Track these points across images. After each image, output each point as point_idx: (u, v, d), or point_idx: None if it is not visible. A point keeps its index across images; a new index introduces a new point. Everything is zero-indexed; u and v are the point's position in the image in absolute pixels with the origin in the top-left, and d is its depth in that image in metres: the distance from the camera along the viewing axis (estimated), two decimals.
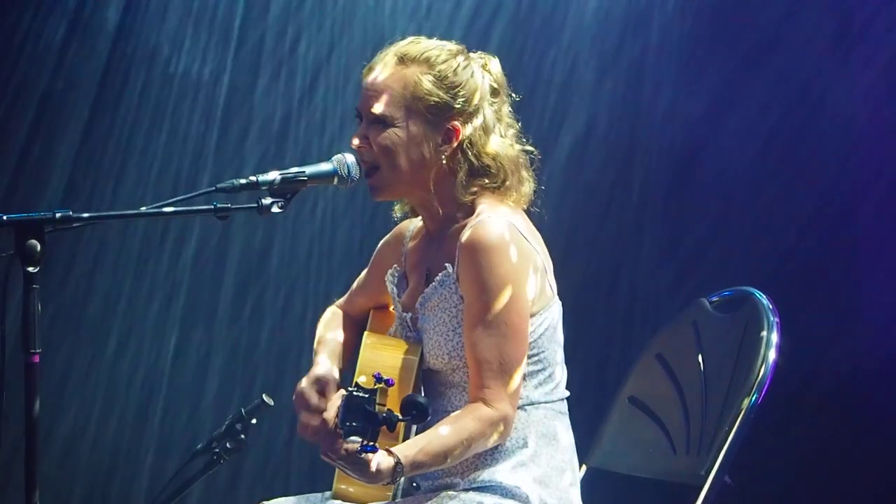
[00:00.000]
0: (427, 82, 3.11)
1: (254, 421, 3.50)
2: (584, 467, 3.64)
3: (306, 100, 5.53)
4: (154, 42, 5.53)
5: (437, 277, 3.13)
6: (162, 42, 5.53)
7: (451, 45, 3.19)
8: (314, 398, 3.10)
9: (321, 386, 3.13)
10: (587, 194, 5.14)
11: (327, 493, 3.18)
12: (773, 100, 4.89)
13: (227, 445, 3.47)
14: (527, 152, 3.23)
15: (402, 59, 3.13)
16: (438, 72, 3.12)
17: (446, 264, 3.11)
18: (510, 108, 3.23)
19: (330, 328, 3.38)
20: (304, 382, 3.15)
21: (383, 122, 3.11)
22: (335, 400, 2.77)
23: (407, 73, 3.12)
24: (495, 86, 3.19)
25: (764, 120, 4.90)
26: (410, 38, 3.19)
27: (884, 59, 4.77)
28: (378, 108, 3.11)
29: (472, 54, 3.20)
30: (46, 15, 5.50)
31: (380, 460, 2.81)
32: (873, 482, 4.71)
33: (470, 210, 3.14)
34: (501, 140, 3.17)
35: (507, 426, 3.01)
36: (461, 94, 3.13)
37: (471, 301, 3.04)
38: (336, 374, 3.18)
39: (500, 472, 3.09)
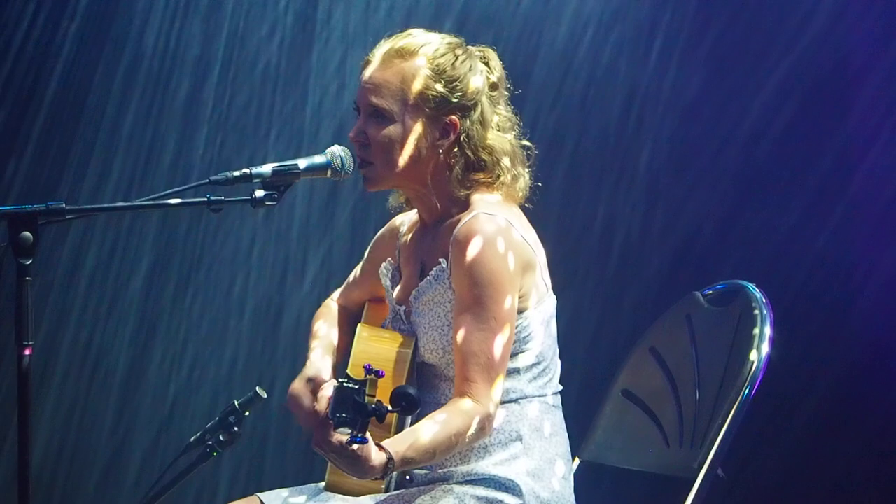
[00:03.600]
0: (425, 76, 3.11)
1: (247, 413, 3.50)
2: (577, 460, 3.64)
3: (299, 93, 5.53)
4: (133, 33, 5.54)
5: (432, 272, 3.13)
6: (143, 33, 5.53)
7: (450, 39, 3.18)
8: (307, 399, 3.12)
9: (314, 386, 3.15)
10: (582, 187, 5.14)
11: (321, 485, 3.19)
12: (770, 93, 4.89)
13: (221, 438, 3.47)
14: (524, 147, 3.23)
15: (401, 53, 3.12)
16: (437, 65, 3.12)
17: (440, 259, 3.11)
18: (508, 102, 3.23)
19: (324, 324, 3.38)
20: (296, 383, 3.17)
21: (381, 115, 3.11)
22: (326, 391, 2.77)
23: (405, 67, 3.12)
24: (494, 80, 3.19)
25: (761, 113, 4.90)
26: (409, 32, 3.18)
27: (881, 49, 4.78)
28: (376, 101, 3.11)
29: (471, 48, 3.20)
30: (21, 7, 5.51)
31: (372, 456, 2.80)
32: (866, 476, 4.72)
33: (465, 204, 3.14)
34: (499, 134, 3.17)
35: (490, 424, 3.00)
36: (459, 87, 3.12)
37: (461, 294, 3.04)
38: (328, 373, 3.20)
39: (493, 465, 3.09)
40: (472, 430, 2.96)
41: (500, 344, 3.01)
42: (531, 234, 3.15)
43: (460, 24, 5.16)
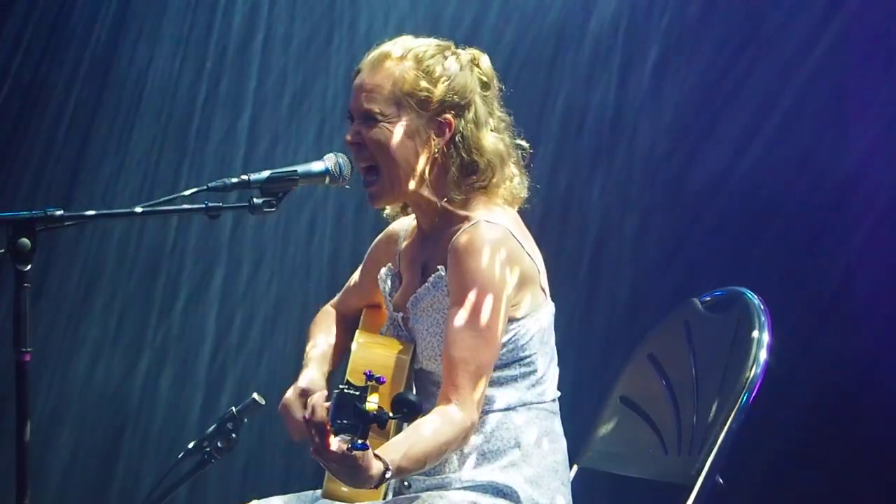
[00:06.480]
0: (416, 76, 3.12)
1: (245, 420, 3.50)
2: (575, 467, 3.64)
3: (297, 99, 5.53)
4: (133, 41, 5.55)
5: (430, 279, 3.13)
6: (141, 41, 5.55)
7: (439, 41, 3.20)
8: (299, 410, 3.13)
9: (307, 397, 3.15)
10: (580, 193, 5.14)
11: (318, 492, 3.19)
12: (765, 97, 4.89)
13: (218, 444, 3.47)
14: (519, 147, 3.24)
15: (391, 57, 3.14)
16: (427, 66, 3.13)
17: (439, 266, 3.12)
18: (501, 103, 3.24)
19: (321, 330, 3.38)
20: (289, 394, 3.19)
21: (375, 118, 3.12)
22: (317, 399, 2.76)
23: (396, 70, 3.13)
24: (485, 79, 3.20)
25: (756, 116, 4.91)
26: (397, 38, 3.20)
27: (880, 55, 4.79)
28: (369, 105, 3.12)
29: (459, 50, 3.21)
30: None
31: (370, 464, 2.80)
32: (864, 481, 4.72)
33: (465, 210, 3.14)
34: (493, 135, 3.18)
35: (472, 432, 3.02)
36: (451, 86, 3.13)
37: (456, 300, 3.04)
38: (321, 384, 3.22)
39: (491, 472, 3.09)
40: (460, 440, 2.97)
41: (489, 353, 3.02)
42: (530, 242, 3.15)
43: None
